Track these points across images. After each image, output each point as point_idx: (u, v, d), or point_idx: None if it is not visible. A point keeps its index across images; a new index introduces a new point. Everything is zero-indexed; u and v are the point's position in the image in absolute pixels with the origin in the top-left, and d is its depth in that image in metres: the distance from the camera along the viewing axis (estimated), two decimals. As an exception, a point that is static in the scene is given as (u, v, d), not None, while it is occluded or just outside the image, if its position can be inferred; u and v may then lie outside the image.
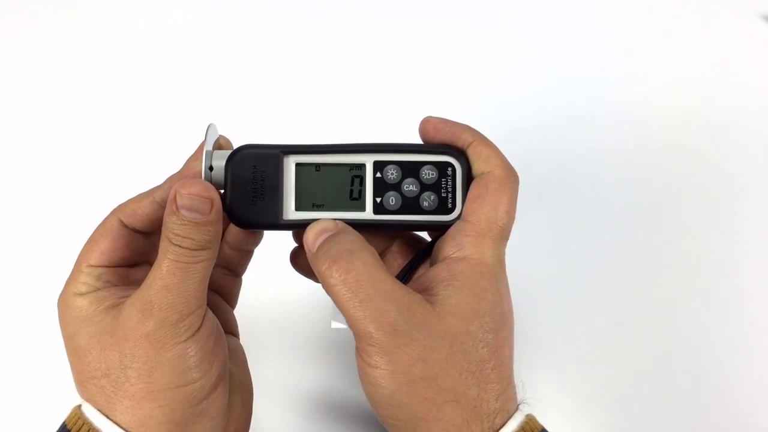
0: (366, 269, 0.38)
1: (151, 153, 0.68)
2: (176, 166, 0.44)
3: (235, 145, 0.44)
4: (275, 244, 0.47)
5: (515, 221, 0.42)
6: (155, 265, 0.39)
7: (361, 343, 0.38)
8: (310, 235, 0.41)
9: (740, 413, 0.60)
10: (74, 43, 0.76)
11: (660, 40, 0.76)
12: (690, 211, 0.68)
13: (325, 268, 0.38)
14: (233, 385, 0.43)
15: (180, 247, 0.38)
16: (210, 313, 0.41)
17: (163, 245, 0.39)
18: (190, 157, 0.44)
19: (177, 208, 0.38)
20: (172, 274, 0.38)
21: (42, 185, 0.69)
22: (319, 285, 0.40)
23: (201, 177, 0.42)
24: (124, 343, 0.38)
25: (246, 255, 0.49)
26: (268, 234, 0.47)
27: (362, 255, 0.39)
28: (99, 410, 0.38)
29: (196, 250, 0.38)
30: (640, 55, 0.75)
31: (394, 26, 0.77)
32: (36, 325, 0.57)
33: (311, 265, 0.40)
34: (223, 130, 0.46)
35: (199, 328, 0.39)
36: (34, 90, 0.74)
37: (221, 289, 0.49)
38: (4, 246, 0.66)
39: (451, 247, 0.41)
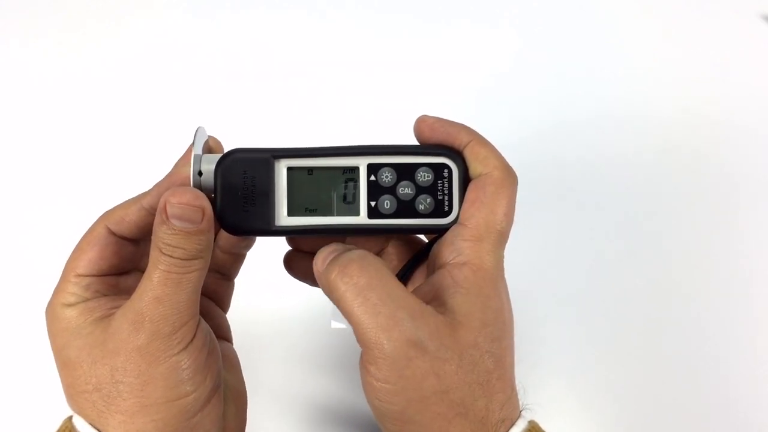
0: (378, 274, 0.36)
1: (143, 156, 0.66)
2: (167, 168, 0.42)
3: (227, 147, 0.41)
4: (269, 247, 0.45)
5: (515, 223, 0.40)
6: (146, 275, 0.37)
7: (368, 355, 0.35)
8: (319, 258, 0.39)
9: (744, 415, 0.58)
10: (74, 43, 0.74)
11: (660, 40, 0.74)
12: (690, 211, 0.66)
13: (334, 276, 0.36)
14: (227, 392, 0.42)
15: (171, 257, 0.36)
16: (203, 324, 0.39)
17: (154, 255, 0.36)
18: (178, 161, 0.41)
19: (167, 218, 0.36)
20: (164, 285, 0.36)
21: (32, 189, 0.67)
22: (315, 288, 0.39)
23: (190, 182, 0.39)
24: (115, 357, 0.36)
25: (239, 258, 0.47)
26: (261, 237, 0.45)
27: (373, 261, 0.37)
28: (91, 424, 0.36)
29: (187, 260, 0.36)
30: (640, 55, 0.73)
31: (393, 27, 0.75)
32: (25, 335, 0.55)
33: (321, 287, 0.38)
34: (217, 132, 0.44)
35: (192, 340, 0.37)
36: (30, 91, 0.72)
37: (214, 294, 0.47)
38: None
39: (450, 252, 0.39)
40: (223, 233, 0.45)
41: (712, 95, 0.71)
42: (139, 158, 0.67)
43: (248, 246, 0.46)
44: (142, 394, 0.36)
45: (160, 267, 0.36)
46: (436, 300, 0.38)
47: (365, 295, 0.35)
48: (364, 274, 0.36)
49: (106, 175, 0.67)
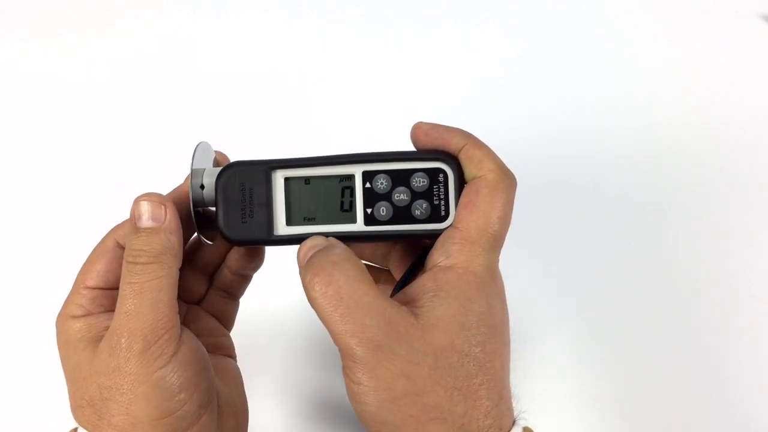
0: (347, 281, 0.34)
1: (148, 159, 0.66)
2: (171, 172, 0.42)
3: (232, 158, 0.41)
4: (269, 249, 0.45)
5: (513, 228, 0.38)
6: (118, 294, 0.36)
7: (344, 359, 0.35)
8: (301, 252, 0.38)
9: (744, 419, 0.56)
10: (77, 46, 0.73)
11: (659, 41, 0.72)
12: (690, 212, 0.63)
13: (307, 281, 0.35)
14: (227, 409, 0.40)
15: (135, 263, 0.35)
16: (192, 340, 0.38)
17: (123, 270, 0.36)
18: (187, 178, 0.41)
19: (135, 220, 0.36)
20: (131, 298, 0.35)
21: (46, 200, 0.66)
22: None
23: (189, 196, 0.39)
24: (100, 376, 0.36)
25: (246, 279, 0.46)
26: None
27: (345, 267, 0.35)
28: None
29: (150, 263, 0.36)
30: (640, 55, 0.71)
31: (390, 33, 0.73)
32: (39, 341, 0.55)
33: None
34: (218, 142, 0.43)
35: (174, 354, 0.36)
36: (33, 96, 0.71)
37: (220, 313, 0.46)
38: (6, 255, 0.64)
39: (439, 255, 0.37)
40: (232, 255, 0.44)
41: (712, 95, 0.69)
42: (147, 161, 0.66)
43: (256, 267, 0.45)
44: (128, 412, 0.35)
45: (127, 280, 0.36)
46: (414, 302, 0.36)
47: (335, 303, 0.34)
48: (334, 283, 0.34)
49: (114, 177, 0.67)
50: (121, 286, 0.36)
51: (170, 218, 0.37)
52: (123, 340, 0.35)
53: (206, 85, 0.71)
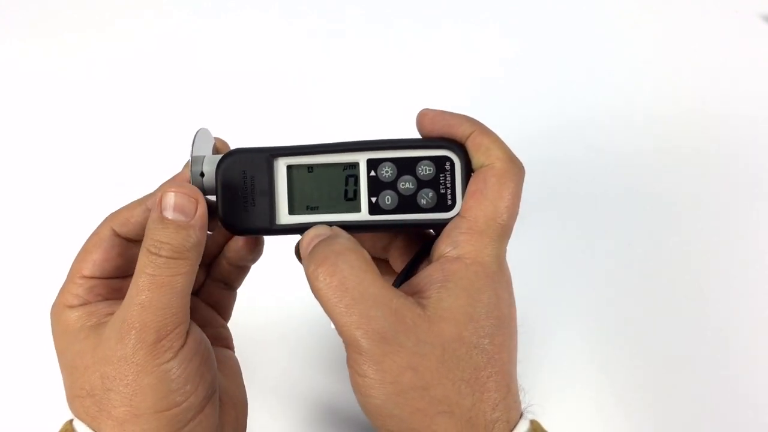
0: (352, 271, 0.33)
1: (148, 159, 0.65)
2: (171, 172, 0.40)
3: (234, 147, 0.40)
4: (268, 247, 0.44)
5: (520, 222, 0.37)
6: (132, 282, 0.35)
7: (349, 351, 0.34)
8: (304, 241, 0.37)
9: (750, 415, 0.55)
10: (79, 44, 0.73)
11: (659, 40, 0.71)
12: (690, 210, 0.63)
13: (311, 271, 0.34)
14: (227, 400, 0.39)
15: (158, 256, 0.34)
16: (196, 332, 0.37)
17: (141, 259, 0.35)
18: (186, 165, 0.40)
19: (162, 210, 0.34)
20: (148, 290, 0.34)
21: (41, 190, 0.66)
22: None
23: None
24: (105, 365, 0.34)
25: (244, 269, 0.45)
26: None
27: (349, 257, 0.34)
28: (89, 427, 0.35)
29: (173, 258, 0.34)
30: (640, 55, 0.70)
31: (394, 29, 0.73)
32: (35, 331, 0.54)
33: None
34: (221, 132, 0.42)
35: (181, 347, 0.35)
36: (32, 92, 0.70)
37: (217, 304, 0.45)
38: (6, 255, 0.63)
39: (446, 245, 0.36)
40: (231, 246, 0.43)
41: (712, 95, 0.68)
42: (147, 160, 0.65)
43: (255, 259, 0.44)
44: (131, 403, 0.34)
45: (146, 270, 0.34)
46: (421, 293, 0.35)
47: (339, 294, 0.33)
48: (338, 273, 0.33)
49: (114, 176, 0.65)
50: (137, 274, 0.34)
51: (200, 214, 0.35)
52: (134, 332, 0.34)
53: (207, 85, 0.70)
